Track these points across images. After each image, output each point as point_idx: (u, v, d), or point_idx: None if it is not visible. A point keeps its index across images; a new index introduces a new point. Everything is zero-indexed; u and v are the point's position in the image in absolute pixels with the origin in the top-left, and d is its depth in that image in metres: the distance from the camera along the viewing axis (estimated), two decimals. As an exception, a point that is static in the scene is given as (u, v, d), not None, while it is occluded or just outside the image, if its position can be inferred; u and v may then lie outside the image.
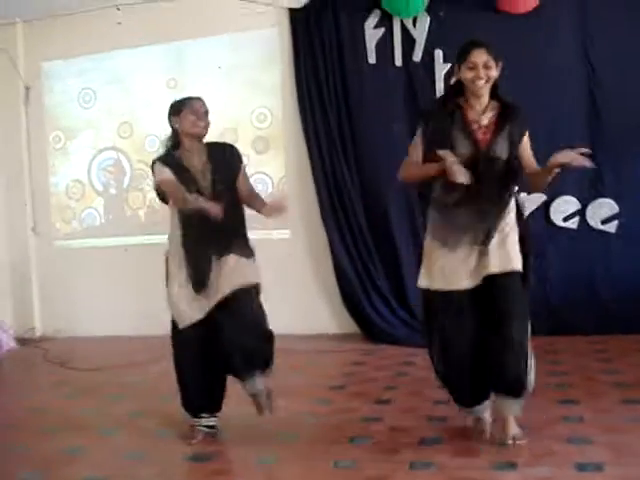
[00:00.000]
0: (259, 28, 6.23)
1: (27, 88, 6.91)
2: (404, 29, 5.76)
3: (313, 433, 3.59)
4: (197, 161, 3.49)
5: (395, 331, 5.64)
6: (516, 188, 3.24)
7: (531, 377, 3.18)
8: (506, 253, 3.11)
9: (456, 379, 3.25)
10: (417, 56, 5.74)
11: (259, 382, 3.45)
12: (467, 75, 3.08)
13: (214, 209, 3.25)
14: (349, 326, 5.98)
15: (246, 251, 3.50)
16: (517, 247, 3.14)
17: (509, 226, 3.15)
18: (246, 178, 3.64)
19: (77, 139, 6.83)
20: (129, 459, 3.40)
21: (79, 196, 6.85)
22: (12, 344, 6.28)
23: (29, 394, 4.86)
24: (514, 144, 3.11)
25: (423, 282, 3.23)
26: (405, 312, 5.73)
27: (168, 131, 3.57)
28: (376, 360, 5.09)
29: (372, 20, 5.82)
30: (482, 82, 3.06)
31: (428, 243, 3.25)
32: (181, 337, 3.50)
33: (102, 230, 6.79)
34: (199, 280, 3.43)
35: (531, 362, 3.16)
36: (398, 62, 5.79)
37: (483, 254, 3.11)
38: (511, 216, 3.17)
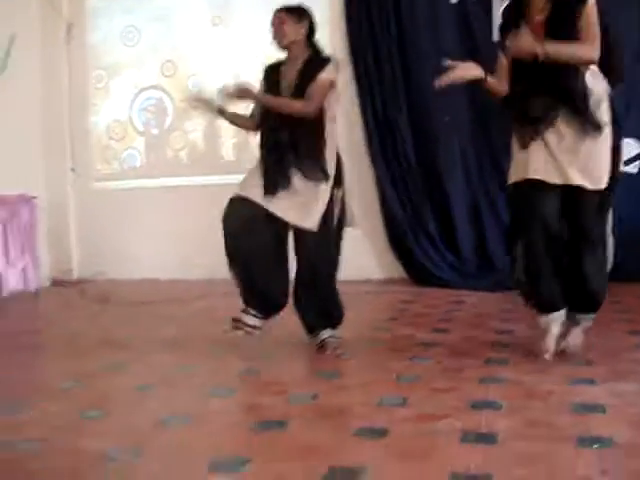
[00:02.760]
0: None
1: (69, 25, 6.74)
2: (460, -36, 5.53)
3: (373, 353, 3.45)
4: (290, 73, 3.42)
5: (443, 274, 5.45)
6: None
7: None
8: (585, 165, 2.93)
9: (537, 276, 3.07)
10: (474, -8, 5.52)
11: (325, 333, 3.45)
12: None
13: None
14: (395, 271, 5.80)
15: (317, 175, 3.32)
16: (602, 160, 2.95)
17: (599, 133, 2.92)
18: (313, 87, 3.30)
19: (119, 78, 6.65)
20: (179, 371, 3.26)
21: (120, 136, 6.67)
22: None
23: (67, 323, 4.73)
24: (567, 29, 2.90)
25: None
26: (454, 256, 5.54)
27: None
28: (427, 299, 4.90)
29: (426, -45, 5.60)
30: None
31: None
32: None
33: (143, 171, 6.62)
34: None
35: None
36: (454, -1, 5.58)
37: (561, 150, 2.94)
38: (601, 122, 2.92)
